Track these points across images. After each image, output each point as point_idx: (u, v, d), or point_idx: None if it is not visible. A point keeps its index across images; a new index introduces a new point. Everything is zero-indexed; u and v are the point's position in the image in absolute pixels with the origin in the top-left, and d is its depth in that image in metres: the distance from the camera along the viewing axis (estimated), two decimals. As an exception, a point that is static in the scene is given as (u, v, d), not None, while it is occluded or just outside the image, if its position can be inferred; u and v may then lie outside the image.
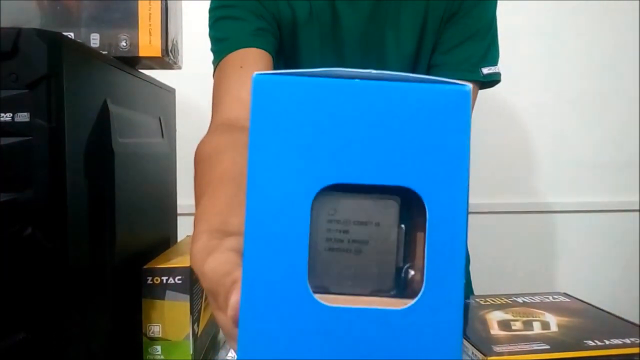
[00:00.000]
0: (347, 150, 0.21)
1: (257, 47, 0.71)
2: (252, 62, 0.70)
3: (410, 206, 0.22)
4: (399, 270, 0.23)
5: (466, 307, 0.78)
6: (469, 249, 1.03)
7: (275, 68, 0.75)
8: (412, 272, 0.22)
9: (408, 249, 0.23)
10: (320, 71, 0.21)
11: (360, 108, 0.21)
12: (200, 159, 0.56)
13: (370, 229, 0.22)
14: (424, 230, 0.21)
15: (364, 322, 0.20)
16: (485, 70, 0.79)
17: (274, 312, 0.21)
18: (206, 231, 0.35)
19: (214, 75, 0.75)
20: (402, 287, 0.22)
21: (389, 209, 0.22)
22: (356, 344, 0.20)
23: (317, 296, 0.21)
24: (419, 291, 0.21)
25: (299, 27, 0.78)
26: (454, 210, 0.21)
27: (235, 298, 0.25)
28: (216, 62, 0.74)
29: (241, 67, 0.69)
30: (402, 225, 0.22)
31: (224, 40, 0.74)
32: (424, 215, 0.21)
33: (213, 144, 0.58)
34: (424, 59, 0.82)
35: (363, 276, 0.22)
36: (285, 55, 0.82)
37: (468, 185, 0.21)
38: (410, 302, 0.21)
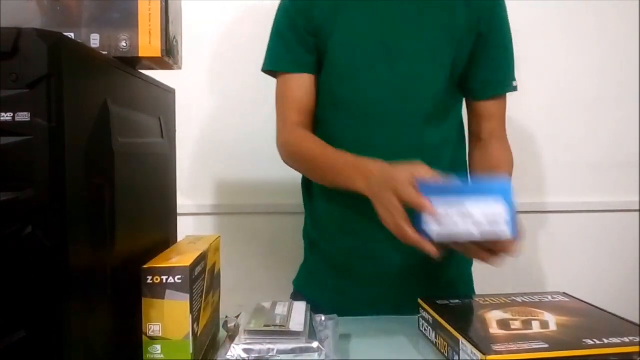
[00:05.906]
0: None
1: (311, 74, 0.98)
2: (309, 86, 0.98)
3: None
4: None
5: (469, 306, 0.79)
6: None
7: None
8: None
9: None
10: None
11: None
12: (299, 143, 0.95)
13: None
14: None
15: None
16: (514, 83, 1.00)
17: None
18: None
19: (275, 76, 1.00)
20: None
21: None
22: None
23: None
24: None
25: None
26: None
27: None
28: (277, 69, 0.99)
29: (300, 87, 0.98)
30: None
31: (283, 53, 0.98)
32: None
33: (301, 134, 0.96)
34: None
35: None
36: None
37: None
38: None
